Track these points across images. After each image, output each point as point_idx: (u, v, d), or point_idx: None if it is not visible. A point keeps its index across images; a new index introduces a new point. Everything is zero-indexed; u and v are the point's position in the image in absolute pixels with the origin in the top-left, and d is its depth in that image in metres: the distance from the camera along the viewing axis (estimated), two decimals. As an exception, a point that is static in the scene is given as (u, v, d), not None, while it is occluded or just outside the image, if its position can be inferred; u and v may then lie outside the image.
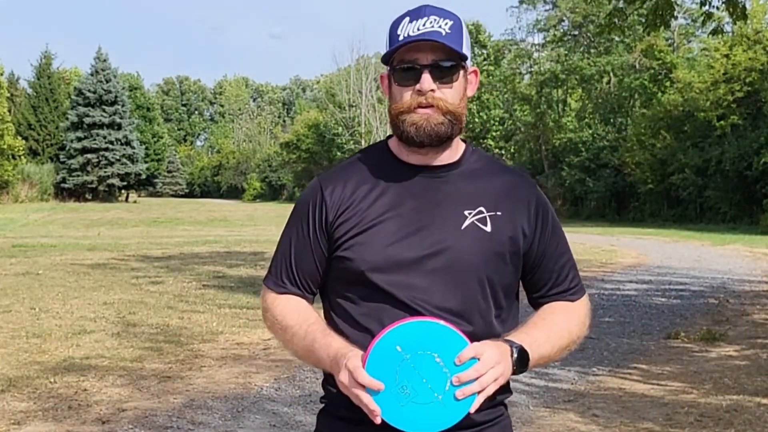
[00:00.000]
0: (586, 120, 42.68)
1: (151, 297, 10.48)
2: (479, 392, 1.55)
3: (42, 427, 4.94)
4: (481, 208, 1.72)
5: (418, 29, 1.66)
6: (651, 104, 37.29)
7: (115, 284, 11.70)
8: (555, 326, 1.76)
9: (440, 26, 1.67)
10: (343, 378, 1.56)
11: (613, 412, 5.36)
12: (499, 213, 1.73)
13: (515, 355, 1.61)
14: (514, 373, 1.63)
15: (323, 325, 1.72)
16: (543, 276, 1.81)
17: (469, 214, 1.71)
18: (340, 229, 1.71)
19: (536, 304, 1.84)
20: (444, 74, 1.68)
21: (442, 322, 1.58)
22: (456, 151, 1.77)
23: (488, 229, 1.71)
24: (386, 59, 1.72)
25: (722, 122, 31.05)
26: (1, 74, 48.54)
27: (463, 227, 1.70)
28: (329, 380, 1.74)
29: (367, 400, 1.52)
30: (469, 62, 1.73)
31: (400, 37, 1.67)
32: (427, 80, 1.66)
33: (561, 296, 1.82)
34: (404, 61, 1.69)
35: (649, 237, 24.83)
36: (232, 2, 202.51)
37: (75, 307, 9.54)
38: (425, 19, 1.67)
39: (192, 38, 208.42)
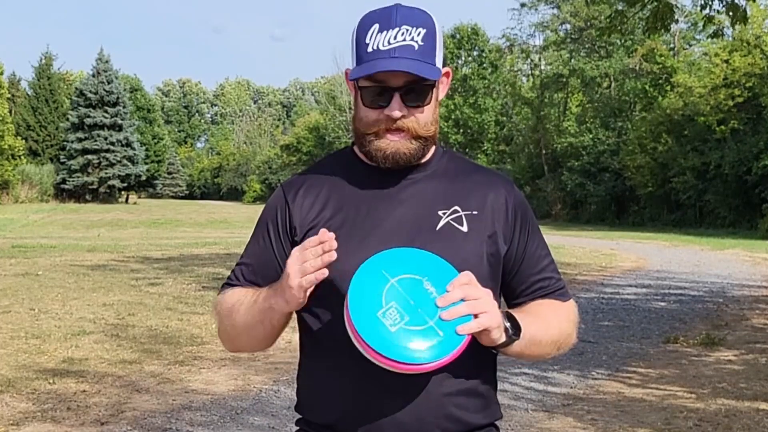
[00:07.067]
0: (587, 124, 42.73)
1: (150, 298, 10.48)
2: (474, 317, 1.44)
3: (41, 428, 4.94)
4: (456, 208, 1.62)
5: (389, 42, 1.52)
6: (651, 108, 37.35)
7: (115, 285, 11.69)
8: (544, 315, 1.65)
9: (413, 38, 1.52)
10: (289, 261, 1.49)
11: (612, 416, 5.36)
12: (475, 212, 1.63)
13: (506, 319, 1.52)
14: (508, 339, 1.53)
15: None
16: (524, 280, 1.70)
17: (444, 214, 1.62)
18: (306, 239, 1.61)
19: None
20: (416, 97, 1.55)
21: (431, 253, 1.49)
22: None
23: (465, 229, 1.61)
24: (354, 76, 1.56)
25: (722, 127, 31.06)
26: (1, 74, 48.51)
27: (437, 228, 1.60)
28: (301, 403, 1.68)
29: (318, 239, 1.47)
30: (441, 70, 1.59)
31: (369, 48, 1.53)
32: (397, 105, 1.54)
33: (549, 297, 1.71)
34: (372, 80, 1.54)
35: (649, 241, 24.83)
36: (234, 4, 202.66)
37: (74, 308, 9.54)
38: (396, 30, 1.52)
39: (193, 40, 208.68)
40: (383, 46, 1.52)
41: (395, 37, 1.53)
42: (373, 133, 1.58)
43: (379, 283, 1.44)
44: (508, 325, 1.53)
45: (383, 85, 1.54)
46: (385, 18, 1.54)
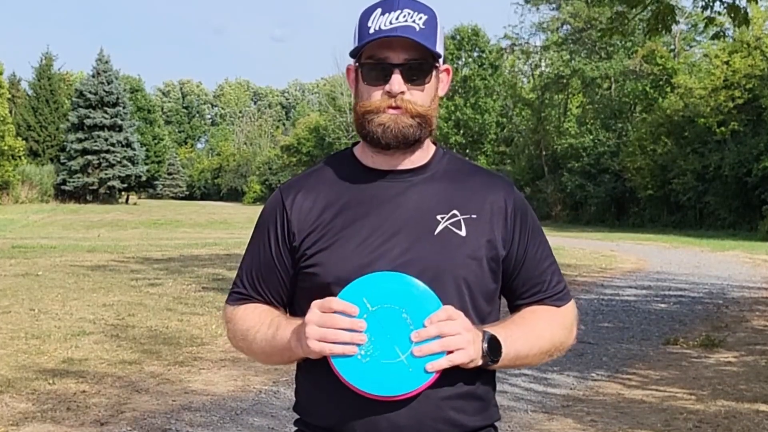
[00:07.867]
0: (587, 126, 42.74)
1: (150, 299, 10.47)
2: (446, 354, 1.45)
3: (40, 429, 4.94)
4: (455, 212, 1.62)
5: (391, 23, 1.54)
6: (651, 110, 37.35)
7: (115, 286, 11.69)
8: (535, 326, 1.65)
9: (414, 21, 1.55)
10: (311, 317, 1.48)
11: (612, 417, 5.36)
12: (474, 216, 1.62)
13: (485, 343, 1.52)
14: (485, 364, 1.54)
15: (291, 318, 1.63)
16: (524, 282, 1.69)
17: (442, 218, 1.61)
18: (305, 243, 1.62)
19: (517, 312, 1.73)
20: (416, 75, 1.57)
21: (416, 280, 1.49)
22: (425, 153, 1.67)
23: (463, 233, 1.60)
24: (354, 53, 1.60)
25: (722, 128, 31.07)
26: (1, 74, 48.51)
27: (436, 233, 1.59)
28: (300, 403, 1.68)
29: (350, 322, 1.45)
30: (441, 60, 1.61)
31: (371, 30, 1.55)
32: (397, 81, 1.55)
33: (545, 302, 1.71)
34: (373, 57, 1.57)
35: (649, 242, 24.83)
36: (234, 4, 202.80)
37: (74, 308, 9.54)
38: (398, 12, 1.55)
39: (194, 40, 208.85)
40: (385, 26, 1.55)
41: (397, 18, 1.55)
42: (373, 111, 1.58)
43: (359, 312, 1.46)
44: (485, 348, 1.53)
45: (384, 62, 1.56)
46: (388, 3, 1.58)
